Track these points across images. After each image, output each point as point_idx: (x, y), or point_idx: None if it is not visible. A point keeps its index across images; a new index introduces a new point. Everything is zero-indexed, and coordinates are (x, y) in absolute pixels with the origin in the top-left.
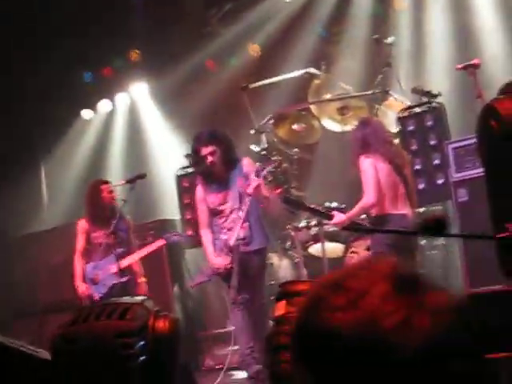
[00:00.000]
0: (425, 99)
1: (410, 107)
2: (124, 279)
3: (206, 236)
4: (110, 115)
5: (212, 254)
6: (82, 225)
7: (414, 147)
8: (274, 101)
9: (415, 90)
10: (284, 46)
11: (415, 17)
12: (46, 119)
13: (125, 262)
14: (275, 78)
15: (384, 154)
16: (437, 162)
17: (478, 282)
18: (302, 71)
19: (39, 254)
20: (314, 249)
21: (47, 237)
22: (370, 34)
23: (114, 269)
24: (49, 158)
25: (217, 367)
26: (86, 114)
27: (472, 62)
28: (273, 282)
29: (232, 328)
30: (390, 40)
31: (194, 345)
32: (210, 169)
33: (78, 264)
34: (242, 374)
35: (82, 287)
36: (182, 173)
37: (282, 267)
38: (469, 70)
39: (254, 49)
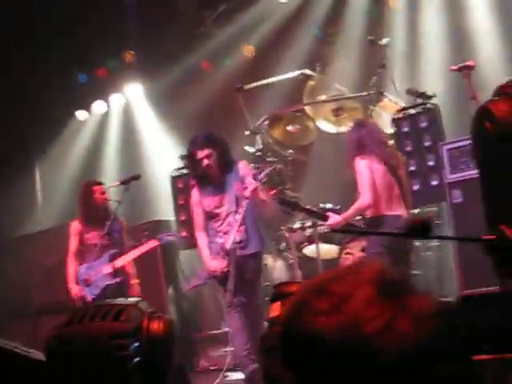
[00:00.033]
0: (419, 100)
1: (404, 108)
2: (117, 280)
3: (201, 239)
4: (105, 116)
5: (208, 257)
6: (75, 226)
7: (408, 148)
8: (268, 102)
9: (410, 92)
10: (279, 47)
11: (410, 18)
12: (41, 120)
13: (118, 263)
14: (270, 79)
15: (379, 156)
16: (431, 163)
17: (472, 283)
18: (297, 72)
19: (33, 255)
20: (309, 250)
21: (41, 238)
22: (365, 35)
23: (107, 270)
24: (43, 159)
25: (211, 368)
26: (80, 114)
27: (466, 64)
28: (267, 284)
29: (227, 329)
30: (384, 41)
31: (188, 346)
32: (206, 172)
33: (71, 265)
34: (237, 376)
35: (74, 289)
36: (177, 174)
37: (276, 268)
38: (463, 71)
39: (248, 50)
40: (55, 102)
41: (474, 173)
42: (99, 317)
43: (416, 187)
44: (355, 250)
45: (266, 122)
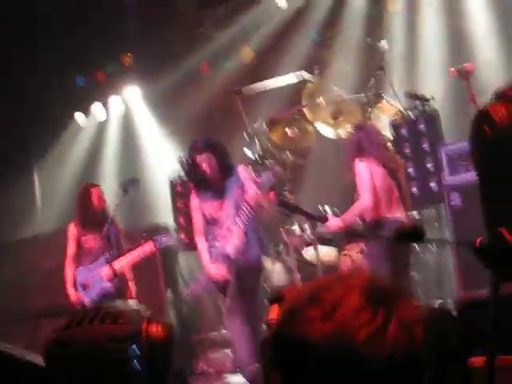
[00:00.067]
0: (418, 103)
1: (403, 111)
2: (114, 284)
3: (201, 244)
4: (104, 119)
5: (208, 262)
6: (73, 229)
7: (407, 151)
8: (267, 105)
9: (408, 95)
10: (278, 50)
11: (409, 20)
12: (40, 122)
13: (115, 266)
14: (269, 84)
15: (378, 158)
16: (430, 166)
17: (471, 285)
18: (296, 77)
19: (32, 258)
20: (307, 252)
21: (40, 241)
22: (364, 38)
23: (104, 273)
24: (42, 162)
25: (210, 370)
26: (79, 117)
27: (465, 67)
28: (266, 286)
29: (226, 332)
30: (383, 43)
31: (187, 349)
32: (205, 177)
33: (69, 269)
34: (238, 379)
35: (73, 294)
36: (176, 177)
37: (275, 271)
38: (462, 74)
39: (247, 53)
40: (54, 104)
41: (472, 176)
42: (98, 320)
43: (415, 190)
44: (353, 252)
45: (265, 125)
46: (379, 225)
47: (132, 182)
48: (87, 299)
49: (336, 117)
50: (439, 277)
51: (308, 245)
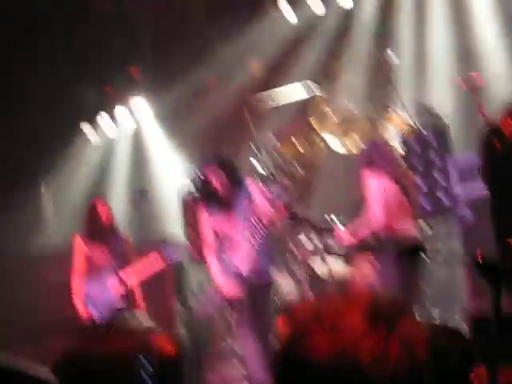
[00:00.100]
0: (427, 115)
1: (412, 123)
2: (122, 297)
3: (211, 259)
4: (112, 132)
5: (220, 280)
6: (80, 244)
7: (416, 163)
8: (275, 117)
9: (418, 107)
10: (286, 63)
11: (417, 32)
12: (48, 136)
13: (123, 280)
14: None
15: (389, 173)
16: (439, 178)
17: (482, 301)
18: (303, 86)
19: (40, 272)
20: (317, 265)
21: (48, 255)
22: (372, 50)
23: (112, 287)
24: (51, 176)
25: (219, 382)
26: (88, 130)
27: (473, 78)
28: (275, 299)
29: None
30: (391, 55)
31: (197, 363)
32: (216, 192)
33: (77, 284)
34: None
35: (81, 308)
36: (185, 190)
37: (284, 284)
38: (471, 87)
39: (255, 65)
40: (63, 118)
41: (482, 188)
42: (110, 336)
43: (424, 202)
44: (363, 265)
45: (274, 138)
46: (389, 238)
47: (140, 194)
48: (96, 313)
49: (344, 128)
50: (450, 290)
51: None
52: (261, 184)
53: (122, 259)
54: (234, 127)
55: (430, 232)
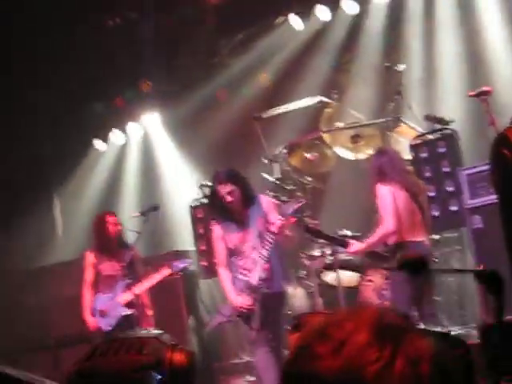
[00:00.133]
0: (437, 126)
1: (422, 134)
2: (132, 311)
3: (224, 275)
4: (123, 146)
5: (233, 294)
6: (90, 257)
7: (427, 174)
8: (286, 130)
9: (428, 117)
10: (295, 75)
11: (426, 43)
12: (59, 151)
13: (133, 293)
14: (288, 107)
15: (401, 183)
16: (450, 188)
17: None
18: (315, 100)
19: (52, 286)
20: (329, 277)
21: (60, 269)
22: (381, 62)
23: (121, 300)
24: (63, 189)
25: None
26: (98, 145)
27: (484, 89)
28: (288, 311)
29: (248, 359)
30: (400, 67)
31: (209, 376)
32: (229, 208)
33: (87, 297)
34: None
35: (90, 320)
36: (196, 203)
37: (296, 296)
38: (481, 96)
39: (264, 78)
40: (74, 132)
41: (493, 198)
42: (123, 350)
43: (435, 213)
44: (376, 277)
45: (285, 151)
46: (401, 248)
47: (152, 208)
48: (105, 326)
49: (356, 141)
50: (462, 300)
51: (328, 269)
52: (273, 198)
53: (132, 271)
54: (245, 140)
55: (440, 241)
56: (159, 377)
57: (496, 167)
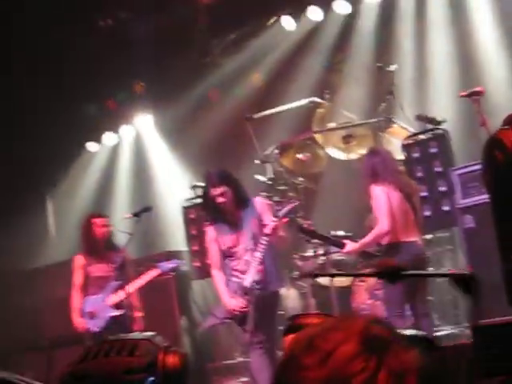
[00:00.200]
0: (429, 126)
1: (414, 134)
2: (121, 312)
3: (218, 277)
4: (116, 147)
5: (227, 296)
6: (79, 259)
7: (419, 174)
8: (278, 130)
9: (419, 117)
10: (287, 75)
11: (418, 44)
12: (52, 153)
13: (122, 294)
14: (279, 108)
15: (394, 183)
16: (442, 188)
17: (488, 311)
18: (307, 100)
19: (45, 287)
20: (322, 278)
21: (53, 270)
22: (373, 62)
23: (110, 302)
24: (55, 191)
25: None
26: (91, 146)
27: (475, 89)
28: (281, 312)
29: (241, 360)
30: (392, 67)
31: (202, 377)
32: (222, 210)
33: (76, 299)
34: None
35: (79, 322)
36: (188, 204)
37: (289, 297)
38: (472, 97)
39: (257, 78)
40: (66, 133)
41: (485, 198)
42: (114, 352)
43: (427, 213)
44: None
45: (276, 151)
46: (395, 248)
47: (144, 209)
48: (94, 327)
49: (348, 141)
50: (455, 299)
51: (323, 270)
52: (266, 199)
53: (122, 273)
54: (237, 140)
55: (432, 240)
56: (152, 379)
57: (488, 167)
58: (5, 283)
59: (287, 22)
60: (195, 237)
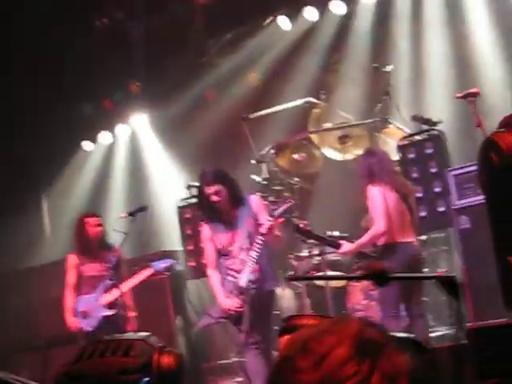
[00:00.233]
0: (425, 127)
1: (410, 135)
2: (114, 312)
3: (214, 277)
4: (111, 147)
5: (222, 295)
6: (72, 259)
7: (414, 175)
8: (274, 130)
9: (415, 118)
10: (283, 75)
11: (414, 45)
12: (47, 152)
13: (115, 294)
14: (275, 108)
15: (390, 184)
16: (438, 189)
17: (483, 312)
18: (303, 100)
19: (40, 287)
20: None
21: (48, 270)
22: (369, 63)
23: (103, 301)
24: (51, 190)
25: None
26: (86, 146)
27: (471, 91)
28: (276, 312)
29: (236, 359)
30: (388, 68)
31: (197, 377)
32: (217, 208)
33: (69, 298)
34: None
35: (72, 322)
36: (184, 204)
37: (284, 297)
38: (468, 98)
39: (253, 78)
40: (62, 133)
41: (480, 199)
42: (109, 352)
43: (423, 214)
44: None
45: (272, 151)
46: (391, 249)
47: (140, 209)
48: (87, 327)
49: (344, 142)
50: (450, 301)
51: (318, 270)
52: (262, 199)
53: (116, 272)
54: (233, 140)
55: (427, 241)
56: (147, 379)
57: (484, 169)
58: (0, 283)
59: (283, 22)
60: (190, 236)
